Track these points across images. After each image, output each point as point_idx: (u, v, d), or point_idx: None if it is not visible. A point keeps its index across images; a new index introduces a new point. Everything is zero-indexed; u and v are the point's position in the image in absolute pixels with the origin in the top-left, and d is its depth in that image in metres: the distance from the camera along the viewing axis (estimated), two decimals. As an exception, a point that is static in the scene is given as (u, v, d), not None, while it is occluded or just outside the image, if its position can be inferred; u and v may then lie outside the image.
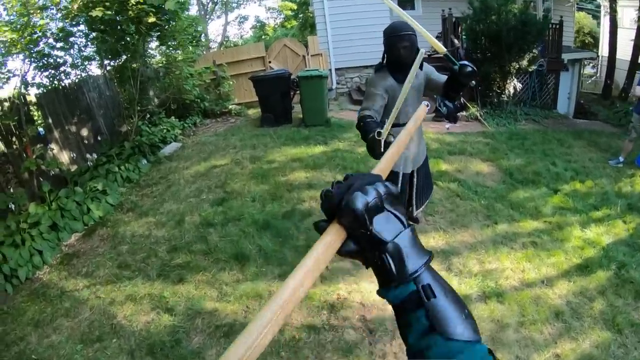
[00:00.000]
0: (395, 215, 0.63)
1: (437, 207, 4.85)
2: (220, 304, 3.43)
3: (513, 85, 9.67)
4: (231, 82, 10.40)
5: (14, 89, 5.58)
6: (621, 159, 6.82)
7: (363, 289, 3.48)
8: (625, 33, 14.17)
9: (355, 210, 0.58)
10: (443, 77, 3.22)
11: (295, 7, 22.60)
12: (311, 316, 3.22)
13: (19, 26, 5.29)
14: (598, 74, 18.45)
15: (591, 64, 20.12)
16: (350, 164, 6.06)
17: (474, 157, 6.62)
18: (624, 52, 13.51)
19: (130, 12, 5.46)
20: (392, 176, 3.47)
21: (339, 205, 0.59)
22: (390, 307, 0.64)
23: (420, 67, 3.26)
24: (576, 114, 12.03)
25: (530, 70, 9.76)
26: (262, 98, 8.62)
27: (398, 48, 3.08)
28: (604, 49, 15.96)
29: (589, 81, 19.13)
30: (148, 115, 7.68)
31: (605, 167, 6.68)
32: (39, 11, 5.47)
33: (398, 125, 3.23)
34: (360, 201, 0.59)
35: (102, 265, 4.18)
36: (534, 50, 9.34)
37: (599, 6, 15.30)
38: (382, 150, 2.36)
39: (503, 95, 9.71)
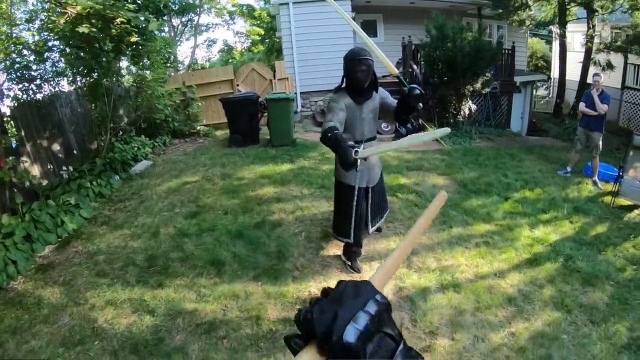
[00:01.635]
0: (388, 334, 0.59)
1: (397, 215, 5.25)
2: (200, 304, 3.63)
3: (468, 106, 10.35)
4: (200, 104, 10.67)
5: None
6: (569, 169, 7.50)
7: (332, 286, 3.76)
8: (574, 56, 15.31)
9: (349, 346, 0.53)
10: (395, 102, 3.51)
11: (262, 32, 23.27)
12: (285, 311, 3.49)
13: (3, 36, 5.40)
14: (550, 95, 19.77)
15: (544, 86, 21.56)
16: (316, 180, 6.39)
17: (430, 171, 7.11)
18: (574, 73, 14.50)
19: (113, 31, 5.66)
20: (347, 190, 3.78)
21: (326, 335, 0.54)
22: None
23: (376, 90, 3.59)
24: (529, 132, 12.94)
25: (484, 92, 10.49)
26: (231, 119, 8.92)
27: (356, 72, 3.33)
28: (555, 71, 17.04)
29: (542, 101, 20.53)
30: (120, 133, 7.81)
31: (554, 177, 7.32)
32: (23, 23, 5.60)
33: (354, 142, 3.44)
34: (353, 333, 0.54)
35: (79, 274, 4.27)
36: (487, 74, 10.07)
37: (551, 32, 16.47)
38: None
39: (459, 116, 10.36)
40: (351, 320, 0.55)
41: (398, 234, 4.78)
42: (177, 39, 21.32)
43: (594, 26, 13.28)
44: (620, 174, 6.31)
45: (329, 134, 2.92)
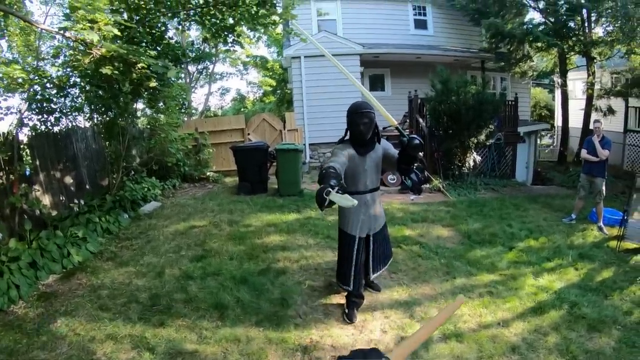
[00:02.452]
0: None
1: (400, 266, 5.27)
2: (201, 346, 3.60)
3: (473, 158, 10.55)
4: (211, 150, 10.92)
5: (10, 125, 5.87)
6: (573, 216, 7.54)
7: (334, 334, 3.77)
8: (577, 103, 15.67)
9: None
10: (397, 153, 3.65)
11: (274, 83, 24.10)
12: (286, 357, 3.45)
13: (29, 68, 5.65)
14: (555, 143, 20.01)
15: (549, 134, 21.83)
16: (322, 230, 6.46)
17: (435, 223, 7.18)
18: (577, 120, 14.78)
19: (133, 74, 5.93)
20: (348, 238, 3.87)
21: None
22: None
23: (379, 141, 3.71)
24: (534, 181, 13.02)
25: (488, 144, 10.70)
26: (241, 167, 9.11)
27: (358, 124, 3.48)
28: (558, 120, 17.48)
29: (547, 150, 20.67)
30: (132, 173, 7.98)
31: (559, 225, 7.35)
32: (49, 58, 5.87)
33: (358, 192, 3.69)
34: None
35: (81, 306, 4.27)
36: (490, 126, 10.30)
37: (553, 81, 16.99)
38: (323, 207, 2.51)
39: (464, 168, 10.56)
40: None
41: (401, 284, 4.78)
42: (192, 85, 22.07)
43: (593, 73, 13.73)
44: (625, 217, 6.33)
45: (323, 170, 2.98)
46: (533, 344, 3.71)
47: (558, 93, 17.26)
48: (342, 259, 4.01)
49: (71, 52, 6.14)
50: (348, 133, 3.69)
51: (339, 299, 4.40)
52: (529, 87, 17.65)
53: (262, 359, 3.43)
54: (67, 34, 5.13)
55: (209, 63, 22.63)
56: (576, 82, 16.65)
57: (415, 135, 3.26)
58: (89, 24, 4.82)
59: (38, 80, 6.13)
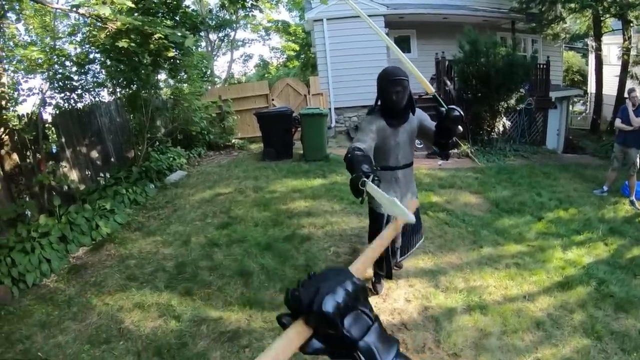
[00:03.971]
0: (364, 312, 0.65)
1: (427, 233, 5.08)
2: (225, 312, 3.64)
3: (502, 123, 10.22)
4: (235, 117, 10.87)
5: (33, 106, 5.95)
6: (605, 188, 7.22)
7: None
8: (611, 69, 14.78)
9: (327, 314, 0.59)
10: (434, 124, 3.18)
11: (297, 48, 23.78)
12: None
13: (47, 48, 5.68)
14: (587, 110, 19.11)
15: (581, 101, 20.90)
16: (347, 195, 6.33)
17: (463, 190, 7.00)
18: (611, 88, 14.05)
19: (151, 45, 5.86)
20: (378, 218, 3.50)
21: (310, 307, 0.60)
22: None
23: (413, 112, 3.29)
24: (565, 149, 12.58)
25: (518, 108, 10.33)
26: (265, 133, 9.03)
27: (391, 93, 3.08)
28: (592, 86, 16.60)
29: (579, 117, 19.85)
30: (157, 143, 8.02)
31: (590, 197, 7.08)
32: (66, 36, 5.86)
33: (388, 168, 3.35)
34: (331, 304, 0.60)
35: (110, 277, 4.38)
36: (521, 90, 9.92)
37: (587, 45, 16.09)
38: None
39: (493, 133, 10.25)
40: (330, 293, 0.62)
41: (427, 252, 4.68)
42: (214, 53, 21.93)
43: (629, 37, 12.95)
44: None
45: (349, 154, 2.70)
46: (558, 320, 3.57)
47: (592, 58, 16.28)
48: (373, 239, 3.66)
49: (88, 28, 6.07)
50: (378, 102, 3.29)
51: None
52: (562, 51, 16.67)
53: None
54: (81, 10, 5.05)
55: (230, 30, 22.38)
56: (611, 47, 15.56)
57: (454, 106, 2.82)
58: (102, -1, 4.76)
59: (57, 59, 6.13)
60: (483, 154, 9.55)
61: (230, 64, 24.44)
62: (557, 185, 7.72)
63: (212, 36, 21.56)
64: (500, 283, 4.09)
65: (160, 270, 4.43)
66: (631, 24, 12.80)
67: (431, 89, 2.65)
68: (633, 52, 13.06)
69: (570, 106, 15.00)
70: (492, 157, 9.51)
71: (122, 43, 5.20)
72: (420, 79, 2.56)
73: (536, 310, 3.69)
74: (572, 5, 12.63)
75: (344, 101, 12.37)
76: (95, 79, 7.15)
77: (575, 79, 21.77)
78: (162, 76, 8.98)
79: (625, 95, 7.66)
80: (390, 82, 3.08)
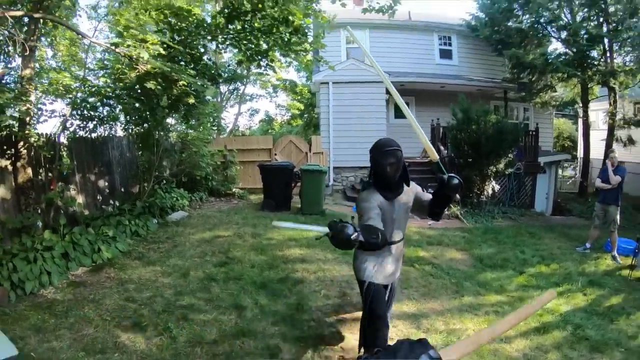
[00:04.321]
0: None
1: (412, 283, 5.42)
2: (220, 337, 3.81)
3: (492, 187, 10.67)
4: (238, 167, 11.32)
5: (53, 127, 6.41)
6: (588, 245, 7.54)
7: (344, 337, 3.97)
8: (599, 134, 15.48)
9: None
10: (428, 196, 3.18)
11: (302, 107, 24.83)
12: (299, 353, 3.67)
13: (79, 77, 6.14)
14: (577, 174, 19.60)
15: (572, 166, 21.54)
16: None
17: (450, 247, 7.32)
18: (599, 151, 14.55)
19: (174, 90, 6.33)
20: (374, 291, 3.09)
21: None
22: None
23: (407, 184, 3.13)
24: (554, 212, 12.90)
25: (507, 173, 10.78)
26: (267, 184, 9.44)
27: (384, 165, 2.92)
28: (581, 151, 17.01)
29: (569, 182, 20.34)
30: (163, 182, 8.35)
31: (572, 254, 7.38)
32: (97, 70, 6.37)
33: (390, 244, 3.08)
34: None
35: (108, 296, 4.56)
36: (509, 155, 10.42)
37: (576, 112, 16.82)
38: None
39: (482, 196, 10.64)
40: None
41: (411, 299, 4.92)
42: (223, 104, 22.79)
43: (614, 102, 13.62)
44: (638, 246, 6.35)
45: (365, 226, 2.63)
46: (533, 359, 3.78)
47: (580, 123, 17.05)
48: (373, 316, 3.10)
49: (118, 65, 6.55)
50: (372, 175, 3.11)
51: (351, 308, 4.58)
52: (552, 118, 17.57)
53: (276, 352, 3.60)
54: (118, 49, 5.57)
55: (240, 84, 23.45)
56: (599, 113, 16.43)
57: (455, 175, 2.85)
58: (139, 43, 5.28)
59: (83, 88, 6.58)
60: (472, 216, 9.87)
61: (237, 116, 25.37)
62: (541, 243, 8.05)
63: (223, 88, 22.53)
64: (479, 327, 4.31)
65: (159, 296, 4.61)
66: (615, 90, 13.55)
67: (436, 156, 2.86)
68: (618, 116, 13.73)
69: (560, 171, 15.46)
70: (481, 219, 9.82)
71: (150, 84, 5.67)
72: (427, 145, 2.77)
73: (512, 350, 3.89)
74: (560, 74, 13.51)
75: (342, 161, 12.95)
76: (112, 113, 7.52)
77: (566, 145, 22.64)
78: (170, 120, 9.41)
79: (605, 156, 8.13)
80: (384, 153, 2.95)
